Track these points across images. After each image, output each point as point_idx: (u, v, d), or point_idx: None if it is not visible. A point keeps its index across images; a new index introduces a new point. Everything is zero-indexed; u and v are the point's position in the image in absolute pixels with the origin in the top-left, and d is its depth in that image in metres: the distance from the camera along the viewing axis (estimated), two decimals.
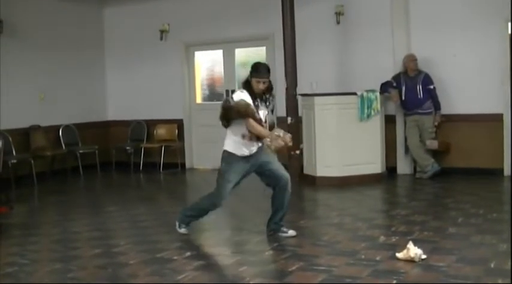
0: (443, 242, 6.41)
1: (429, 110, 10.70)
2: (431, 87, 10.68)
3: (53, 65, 12.98)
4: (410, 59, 10.79)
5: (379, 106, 10.64)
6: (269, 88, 6.74)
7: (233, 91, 7.02)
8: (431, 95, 10.68)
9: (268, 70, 6.68)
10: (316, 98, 10.63)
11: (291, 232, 6.83)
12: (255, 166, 6.75)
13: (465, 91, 10.75)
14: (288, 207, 6.93)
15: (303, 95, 11.04)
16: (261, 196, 9.31)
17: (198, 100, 13.54)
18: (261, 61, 7.09)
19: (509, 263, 5.40)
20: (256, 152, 6.71)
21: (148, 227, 7.72)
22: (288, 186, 6.82)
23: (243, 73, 12.93)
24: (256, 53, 13.03)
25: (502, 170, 10.48)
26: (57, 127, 12.98)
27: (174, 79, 13.48)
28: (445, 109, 10.73)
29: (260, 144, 6.69)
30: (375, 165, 10.71)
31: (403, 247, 5.81)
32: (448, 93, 10.79)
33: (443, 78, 10.79)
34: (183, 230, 7.15)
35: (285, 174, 6.87)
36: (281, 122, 11.51)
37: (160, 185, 12.20)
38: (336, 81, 11.70)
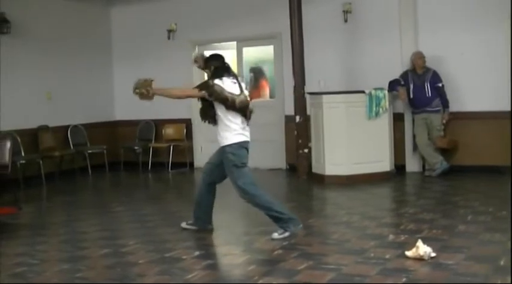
0: (452, 240, 6.40)
1: (437, 108, 10.68)
2: (440, 85, 10.66)
3: (60, 65, 13.01)
4: (418, 57, 10.77)
5: (387, 104, 10.63)
6: (211, 75, 6.95)
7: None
8: (440, 93, 10.66)
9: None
10: (325, 96, 10.62)
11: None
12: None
13: (473, 88, 10.73)
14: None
15: (311, 94, 11.03)
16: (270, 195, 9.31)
17: None
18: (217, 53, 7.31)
19: None
20: (220, 148, 6.99)
21: (156, 227, 7.72)
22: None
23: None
24: (264, 52, 13.04)
25: (510, 168, 10.43)
26: (65, 128, 13.01)
27: (182, 79, 13.44)
28: (454, 107, 10.71)
29: (221, 143, 6.92)
30: (383, 163, 10.70)
31: (412, 245, 5.79)
32: (456, 90, 10.77)
33: (451, 75, 10.77)
34: (183, 224, 7.41)
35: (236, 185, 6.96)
36: (290, 121, 11.58)
37: (169, 185, 12.20)
38: (344, 79, 11.69)
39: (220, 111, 6.82)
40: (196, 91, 6.91)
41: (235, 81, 6.91)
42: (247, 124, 6.96)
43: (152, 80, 6.94)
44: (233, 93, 6.77)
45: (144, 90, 6.86)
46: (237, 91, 6.82)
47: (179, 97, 7.37)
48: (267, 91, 13.29)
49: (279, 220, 6.79)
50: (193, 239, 7.02)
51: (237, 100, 6.76)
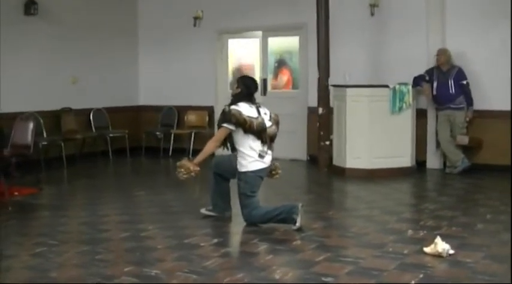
0: (472, 238, 6.38)
1: (461, 105, 10.60)
2: (464, 82, 10.57)
3: (86, 48, 13.04)
4: (440, 53, 10.68)
5: (411, 99, 10.58)
6: (230, 102, 7.15)
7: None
8: (464, 90, 10.57)
9: None
10: (348, 89, 10.60)
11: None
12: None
13: (499, 87, 10.63)
14: None
15: (335, 86, 11.00)
16: (290, 186, 9.34)
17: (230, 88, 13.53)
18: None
19: None
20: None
21: (176, 212, 7.78)
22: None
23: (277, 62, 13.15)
24: (290, 43, 13.01)
25: (510, 167, 10.30)
26: (88, 111, 13.07)
27: (206, 67, 13.50)
28: (478, 105, 10.62)
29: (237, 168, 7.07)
30: (404, 158, 10.67)
31: (430, 241, 5.78)
32: (481, 88, 10.68)
33: (477, 72, 10.67)
34: (203, 210, 7.53)
35: None
36: (312, 113, 11.56)
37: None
38: (368, 73, 11.64)
39: (237, 137, 6.93)
40: (222, 130, 6.98)
41: (251, 105, 6.98)
42: (269, 149, 6.99)
43: (180, 161, 7.32)
44: (251, 116, 6.85)
45: (184, 170, 7.24)
46: (254, 114, 6.90)
47: (216, 146, 7.30)
48: (285, 79, 13.22)
49: (285, 220, 6.80)
50: (212, 226, 7.05)
51: (255, 123, 6.84)
